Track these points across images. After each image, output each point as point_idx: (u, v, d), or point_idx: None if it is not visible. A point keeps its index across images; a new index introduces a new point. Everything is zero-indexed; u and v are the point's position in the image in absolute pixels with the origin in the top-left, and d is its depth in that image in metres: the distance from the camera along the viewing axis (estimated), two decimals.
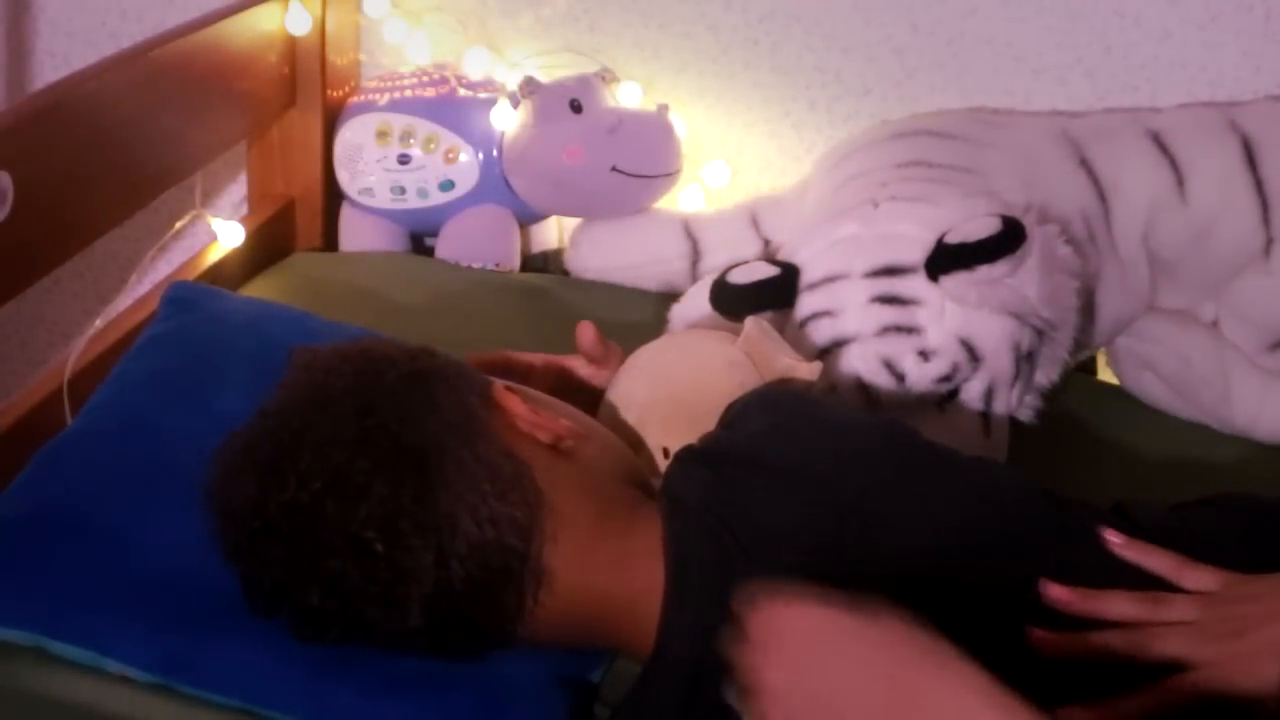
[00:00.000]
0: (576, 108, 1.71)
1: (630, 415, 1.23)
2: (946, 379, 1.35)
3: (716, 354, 1.25)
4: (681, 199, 1.82)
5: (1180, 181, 1.54)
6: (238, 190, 1.91)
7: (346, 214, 1.86)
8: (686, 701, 0.95)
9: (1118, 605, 0.94)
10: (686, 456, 1.08)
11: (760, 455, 1.04)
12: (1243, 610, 0.90)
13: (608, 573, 1.01)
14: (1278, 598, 0.91)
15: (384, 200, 1.80)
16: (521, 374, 1.27)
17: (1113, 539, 0.98)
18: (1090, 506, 1.06)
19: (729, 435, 1.09)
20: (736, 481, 1.03)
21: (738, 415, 1.11)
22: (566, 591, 1.00)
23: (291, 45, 1.76)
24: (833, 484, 1.02)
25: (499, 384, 1.08)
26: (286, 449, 0.99)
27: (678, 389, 1.23)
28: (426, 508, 0.98)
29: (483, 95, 1.79)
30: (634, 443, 1.20)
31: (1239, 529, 1.03)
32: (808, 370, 1.21)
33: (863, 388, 1.36)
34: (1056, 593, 0.95)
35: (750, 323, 1.26)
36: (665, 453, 1.20)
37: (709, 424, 1.13)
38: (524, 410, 1.05)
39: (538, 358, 1.29)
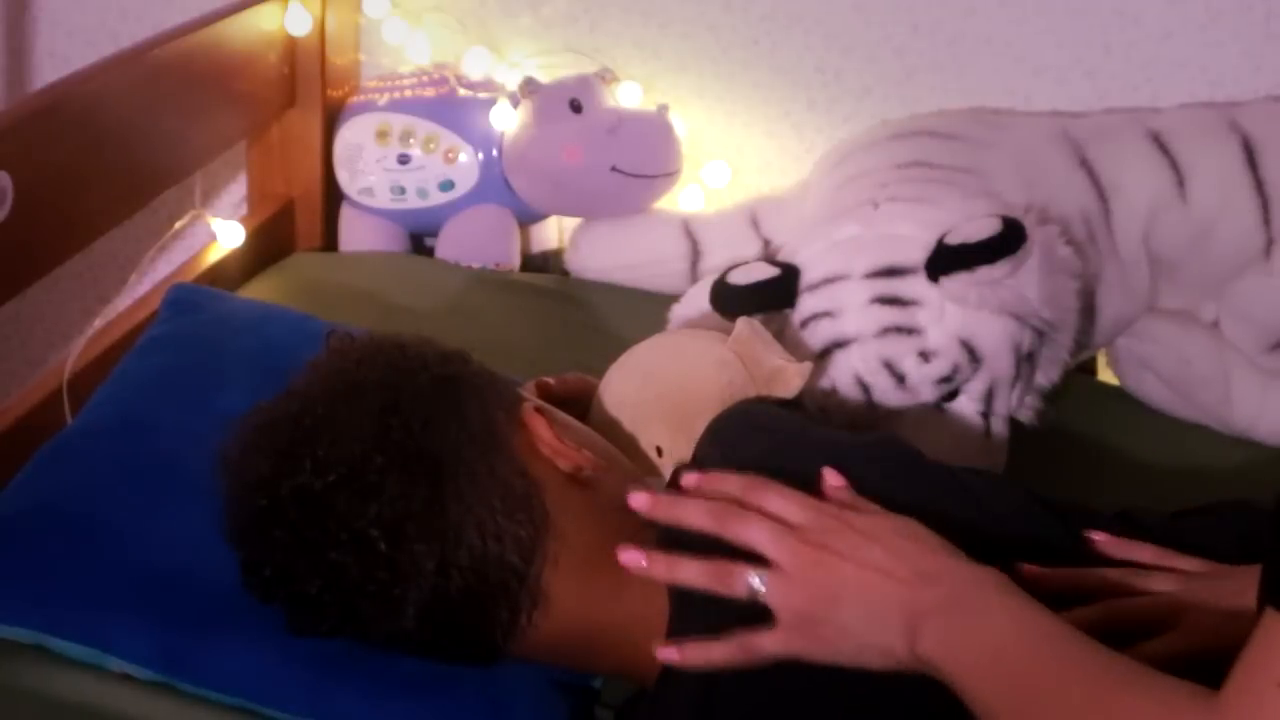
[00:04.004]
0: (576, 108, 1.72)
1: (622, 414, 1.23)
2: (947, 380, 1.35)
3: (706, 353, 1.25)
4: (681, 199, 1.82)
5: (1181, 182, 1.54)
6: (238, 190, 1.91)
7: (346, 214, 1.86)
8: (701, 715, 0.95)
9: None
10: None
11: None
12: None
13: (604, 601, 1.01)
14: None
15: (384, 200, 1.80)
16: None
17: (1098, 538, 0.98)
18: (1093, 512, 1.06)
19: (724, 457, 1.09)
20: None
21: (731, 435, 1.11)
22: (562, 615, 1.01)
23: (291, 45, 1.76)
24: None
25: (529, 404, 1.08)
26: (306, 433, 1.00)
27: (668, 388, 1.23)
28: (435, 514, 0.98)
29: (483, 95, 1.79)
30: (627, 442, 1.20)
31: (1237, 537, 1.03)
32: (797, 371, 1.21)
33: (863, 389, 1.36)
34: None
35: (741, 323, 1.26)
36: (659, 451, 1.20)
37: (699, 423, 1.13)
38: (548, 435, 1.05)
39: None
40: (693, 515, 0.92)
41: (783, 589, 0.88)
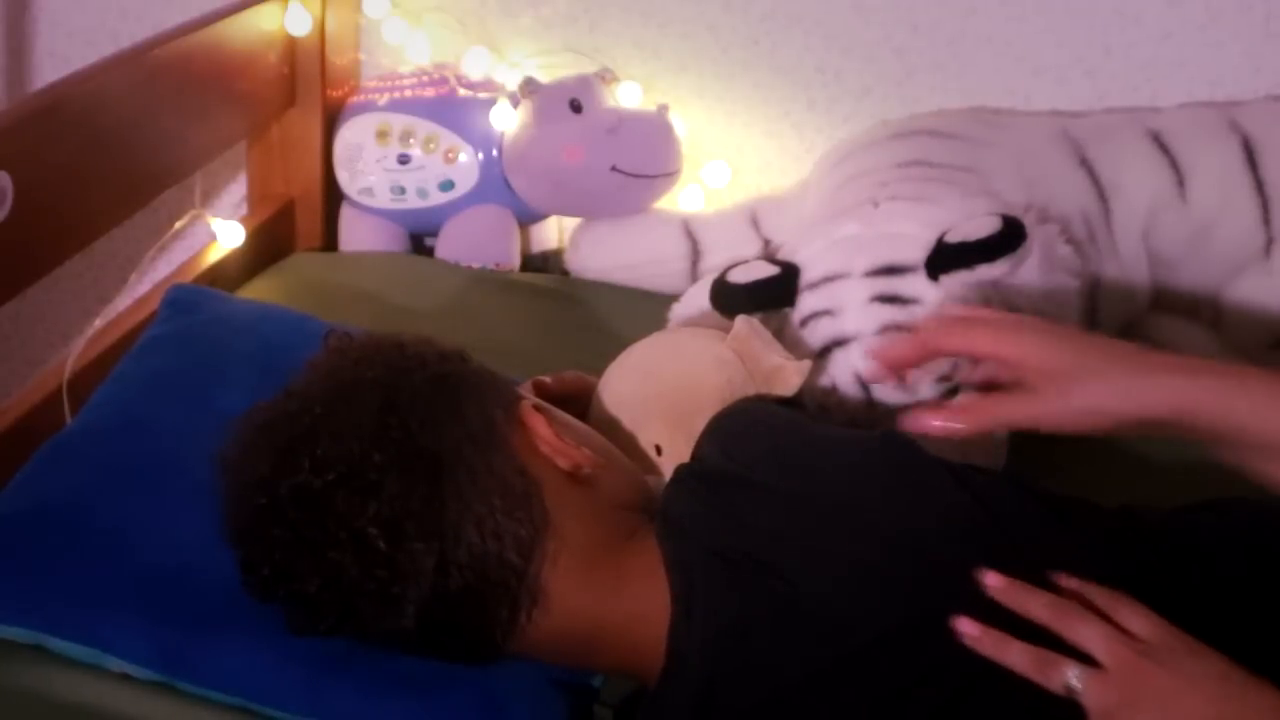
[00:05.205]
0: (576, 108, 1.72)
1: (621, 413, 1.23)
2: (947, 378, 1.35)
3: (705, 352, 1.25)
4: (681, 199, 1.82)
5: (1180, 181, 1.54)
6: (238, 190, 1.91)
7: (346, 214, 1.86)
8: (702, 711, 0.95)
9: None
10: (685, 476, 1.08)
11: (758, 477, 1.04)
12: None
13: (603, 599, 1.01)
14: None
15: (384, 200, 1.80)
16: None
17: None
18: (1096, 509, 1.06)
19: (725, 455, 1.09)
20: (734, 501, 1.03)
21: (731, 433, 1.11)
22: (561, 613, 1.01)
23: (291, 45, 1.76)
24: (831, 506, 1.02)
25: (528, 402, 1.08)
26: (305, 432, 1.00)
27: (667, 387, 1.23)
28: (434, 512, 0.98)
29: (483, 95, 1.79)
30: (626, 440, 1.20)
31: (1241, 532, 1.03)
32: (796, 369, 1.21)
33: (863, 387, 1.36)
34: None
35: (740, 321, 1.27)
36: (658, 450, 1.20)
37: (699, 422, 1.13)
38: (547, 433, 1.05)
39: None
40: (1037, 608, 0.92)
41: (1101, 690, 0.88)
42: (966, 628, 0.91)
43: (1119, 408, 0.90)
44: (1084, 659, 0.89)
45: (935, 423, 0.95)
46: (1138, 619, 0.91)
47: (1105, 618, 0.91)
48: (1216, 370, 0.91)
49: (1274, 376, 0.90)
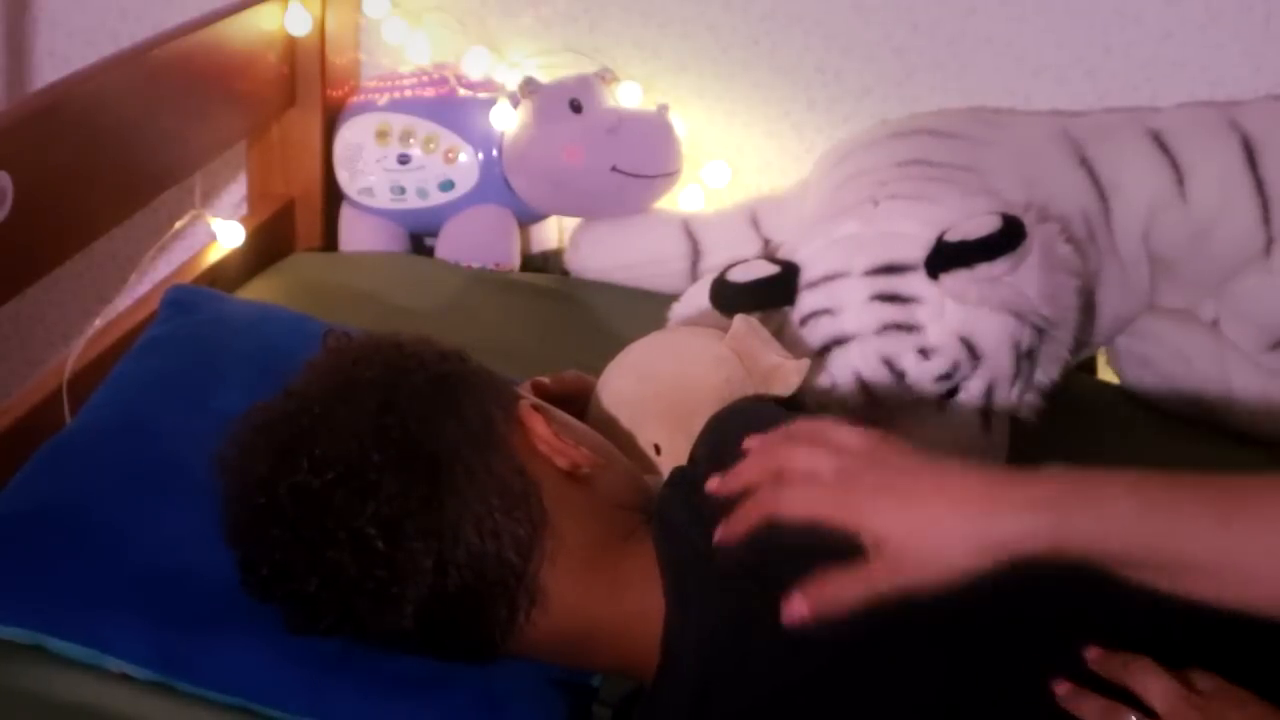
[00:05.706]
0: (576, 108, 1.72)
1: (620, 412, 1.23)
2: (946, 377, 1.35)
3: (704, 351, 1.25)
4: (681, 199, 1.82)
5: (1180, 181, 1.54)
6: (238, 190, 1.91)
7: (346, 214, 1.86)
8: (697, 711, 0.95)
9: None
10: (679, 480, 1.08)
11: None
12: None
13: (601, 599, 1.01)
14: None
15: (384, 200, 1.80)
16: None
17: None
18: None
19: (722, 456, 1.09)
20: (729, 503, 1.03)
21: (728, 433, 1.11)
22: (559, 612, 1.01)
23: (291, 45, 1.76)
24: None
25: (526, 401, 1.08)
26: (304, 432, 1.00)
27: (665, 386, 1.23)
28: (433, 512, 0.98)
29: (483, 95, 1.79)
30: (625, 440, 1.20)
31: None
32: (795, 368, 1.21)
33: (863, 386, 1.36)
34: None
35: (739, 320, 1.27)
36: (657, 449, 1.20)
37: (698, 421, 1.13)
38: (546, 433, 1.05)
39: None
40: (1114, 668, 0.92)
41: None
42: (1061, 689, 0.91)
43: (978, 561, 0.84)
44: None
45: (792, 615, 0.87)
46: (1202, 678, 0.92)
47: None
48: (1079, 493, 0.84)
49: (1144, 485, 0.84)
